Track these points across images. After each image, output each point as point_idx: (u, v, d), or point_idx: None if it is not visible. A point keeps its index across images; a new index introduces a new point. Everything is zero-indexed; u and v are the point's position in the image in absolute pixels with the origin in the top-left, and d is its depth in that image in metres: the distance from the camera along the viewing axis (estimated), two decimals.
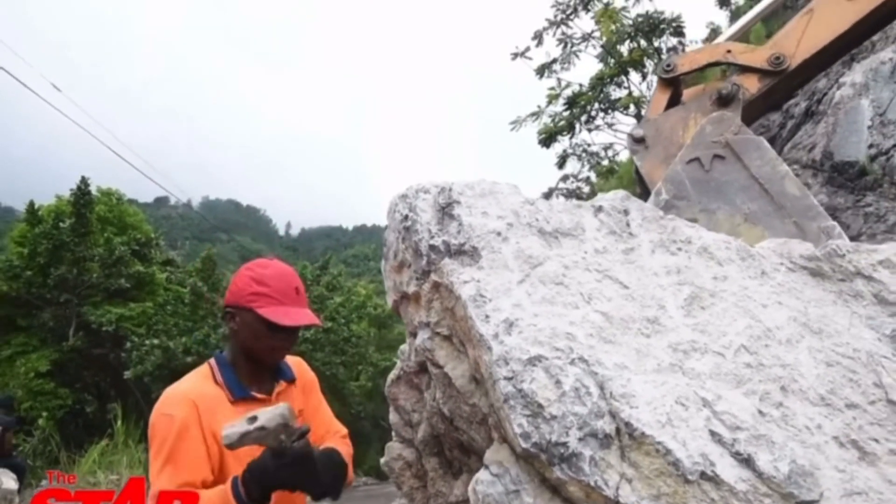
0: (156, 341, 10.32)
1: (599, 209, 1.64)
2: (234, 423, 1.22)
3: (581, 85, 7.71)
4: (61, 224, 12.20)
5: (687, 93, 2.64)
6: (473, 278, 1.47)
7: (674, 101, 2.59)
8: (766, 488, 1.15)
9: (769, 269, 1.58)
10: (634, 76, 7.64)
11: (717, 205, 2.16)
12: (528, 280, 1.47)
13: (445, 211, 1.62)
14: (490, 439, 1.45)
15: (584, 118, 7.66)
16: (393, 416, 2.09)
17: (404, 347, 2.04)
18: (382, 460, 2.04)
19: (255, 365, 1.52)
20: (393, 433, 2.09)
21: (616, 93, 7.62)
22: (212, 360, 1.53)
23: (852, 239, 3.96)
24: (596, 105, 7.53)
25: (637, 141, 2.44)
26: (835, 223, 2.02)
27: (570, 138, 7.92)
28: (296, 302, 1.51)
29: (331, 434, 1.61)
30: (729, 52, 2.45)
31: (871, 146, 4.00)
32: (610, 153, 8.39)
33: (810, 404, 1.31)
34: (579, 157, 8.39)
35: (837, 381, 1.36)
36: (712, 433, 1.22)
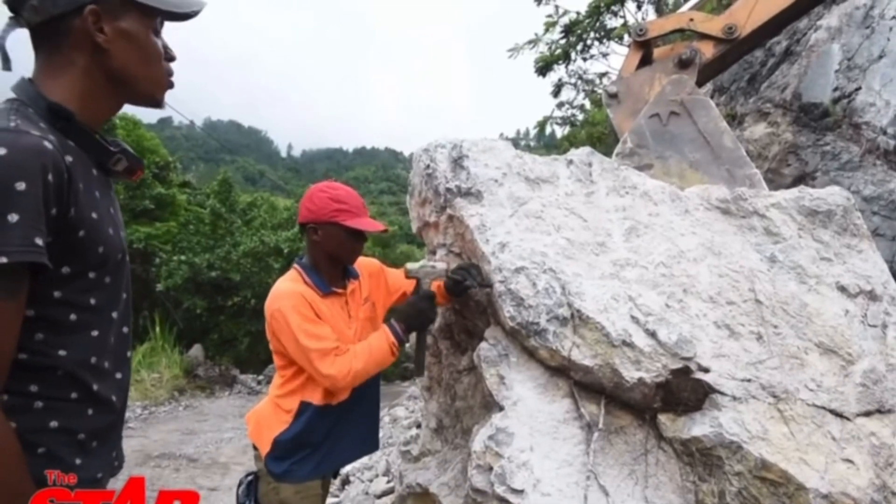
0: (182, 258, 11.10)
1: (570, 162, 2.18)
2: (415, 264, 2.00)
3: (578, 13, 7.91)
4: None
5: (658, 52, 3.09)
6: (478, 213, 2.00)
7: (646, 61, 3.05)
8: (663, 350, 1.78)
9: (691, 208, 2.17)
10: (630, 5, 7.83)
11: (670, 153, 2.68)
12: (517, 215, 2.02)
13: (457, 162, 2.10)
14: (488, 323, 2.05)
15: (579, 47, 7.90)
16: None
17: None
18: (407, 345, 2.71)
19: (332, 267, 1.92)
20: None
21: (612, 22, 7.83)
22: (297, 267, 1.91)
23: (809, 175, 4.58)
24: (592, 34, 7.75)
25: (611, 96, 2.93)
26: (756, 171, 2.56)
27: (566, 66, 8.19)
28: (366, 213, 1.92)
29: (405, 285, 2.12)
30: (691, 20, 2.87)
31: (835, 89, 4.44)
32: (605, 81, 8.68)
33: (702, 301, 1.93)
34: (574, 86, 8.70)
35: (724, 287, 1.96)
36: (632, 317, 1.83)
